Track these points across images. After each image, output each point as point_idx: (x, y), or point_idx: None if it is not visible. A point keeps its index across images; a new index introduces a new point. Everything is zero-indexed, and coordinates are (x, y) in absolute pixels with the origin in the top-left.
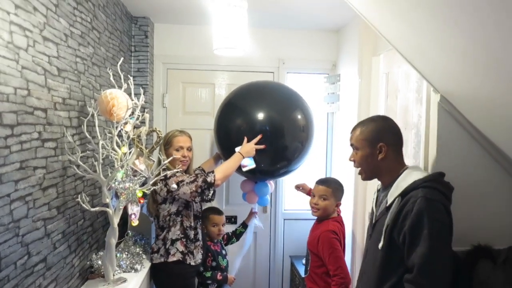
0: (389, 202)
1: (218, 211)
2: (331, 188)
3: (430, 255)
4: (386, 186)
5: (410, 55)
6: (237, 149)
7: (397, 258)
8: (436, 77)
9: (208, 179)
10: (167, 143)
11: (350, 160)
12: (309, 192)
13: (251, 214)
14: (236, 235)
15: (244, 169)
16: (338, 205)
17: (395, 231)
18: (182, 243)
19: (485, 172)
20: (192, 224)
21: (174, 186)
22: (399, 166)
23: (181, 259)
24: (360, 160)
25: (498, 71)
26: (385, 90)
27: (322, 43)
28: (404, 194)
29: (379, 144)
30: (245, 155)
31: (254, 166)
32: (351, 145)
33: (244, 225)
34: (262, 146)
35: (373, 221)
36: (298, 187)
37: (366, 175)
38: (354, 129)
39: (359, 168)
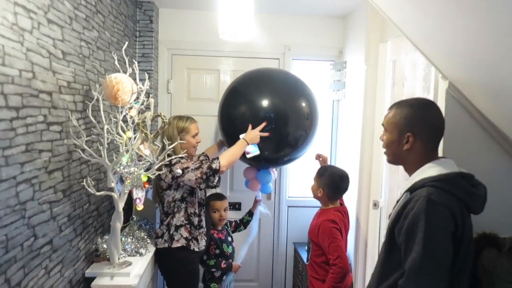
0: (399, 196)
1: (219, 196)
2: (318, 172)
3: (421, 262)
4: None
5: (418, 41)
6: (242, 136)
7: (396, 257)
8: (445, 64)
9: (213, 166)
10: (182, 131)
11: (380, 139)
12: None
13: (256, 202)
14: (244, 223)
15: (248, 156)
16: (321, 192)
17: (396, 228)
18: (186, 229)
19: (492, 161)
20: (196, 211)
21: (179, 171)
22: (427, 159)
23: (185, 245)
24: (386, 142)
25: (509, 57)
26: (392, 78)
27: (328, 29)
28: (412, 190)
29: (407, 133)
30: (250, 142)
31: (259, 153)
32: (382, 124)
33: (251, 213)
34: (266, 134)
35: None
36: (318, 157)
37: (390, 159)
38: (390, 108)
39: (385, 149)
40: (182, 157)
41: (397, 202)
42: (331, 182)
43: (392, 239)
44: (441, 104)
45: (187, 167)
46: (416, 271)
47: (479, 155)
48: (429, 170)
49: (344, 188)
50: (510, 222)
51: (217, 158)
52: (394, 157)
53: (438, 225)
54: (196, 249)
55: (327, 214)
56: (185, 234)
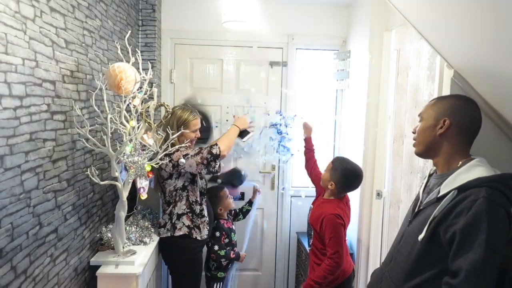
0: (442, 193)
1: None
2: (333, 164)
3: (483, 263)
4: (442, 174)
5: (424, 29)
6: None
7: (436, 255)
8: (450, 52)
9: (214, 151)
10: (183, 124)
11: (412, 131)
12: (308, 138)
13: (255, 191)
14: (243, 213)
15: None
16: (332, 185)
17: (442, 226)
18: (188, 218)
19: (497, 150)
20: (198, 199)
21: (183, 160)
22: (460, 155)
23: (187, 233)
24: (419, 130)
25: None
26: (396, 67)
27: (332, 18)
28: (462, 188)
29: (443, 118)
30: (241, 126)
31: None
32: (419, 115)
33: (250, 203)
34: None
35: (417, 208)
36: (305, 125)
37: (419, 148)
38: (431, 100)
39: (415, 141)
40: (180, 147)
41: (437, 199)
42: (346, 180)
43: (434, 238)
44: (446, 93)
45: (187, 154)
46: (476, 273)
47: (484, 144)
48: (479, 169)
49: (357, 186)
50: None
51: (216, 144)
52: (425, 146)
53: (500, 227)
54: (199, 238)
55: (331, 206)
56: (187, 222)
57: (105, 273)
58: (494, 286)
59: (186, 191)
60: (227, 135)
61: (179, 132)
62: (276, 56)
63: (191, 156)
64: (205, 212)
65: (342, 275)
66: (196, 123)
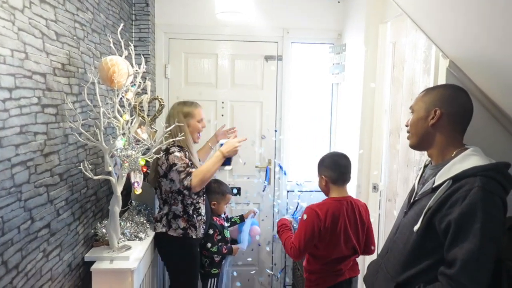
0: (437, 183)
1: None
2: (317, 165)
3: (478, 253)
4: (437, 164)
5: (419, 19)
6: (222, 141)
7: (431, 245)
8: (446, 42)
9: (185, 183)
10: (187, 115)
11: (405, 125)
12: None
13: (251, 212)
14: (231, 222)
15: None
16: (323, 179)
17: (437, 216)
18: (183, 220)
19: (494, 141)
20: (194, 201)
21: (171, 163)
22: (453, 145)
23: (181, 235)
24: (411, 122)
25: (505, 32)
26: (392, 60)
27: (327, 11)
28: (457, 178)
29: (434, 108)
30: (227, 154)
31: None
32: (410, 107)
33: (241, 218)
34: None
35: (412, 199)
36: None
37: (413, 140)
38: (421, 92)
39: (408, 133)
40: (181, 147)
41: (432, 189)
42: (329, 161)
43: (429, 228)
44: (442, 82)
45: (175, 164)
46: (472, 262)
47: (479, 133)
48: (473, 158)
49: (344, 165)
50: (510, 201)
51: (189, 175)
52: (418, 137)
53: (495, 216)
54: (194, 236)
55: (321, 201)
56: (183, 224)
57: (100, 268)
58: (490, 275)
59: (181, 195)
60: (208, 165)
61: (173, 125)
62: (271, 50)
63: (177, 170)
64: (202, 211)
65: (322, 282)
66: (200, 112)
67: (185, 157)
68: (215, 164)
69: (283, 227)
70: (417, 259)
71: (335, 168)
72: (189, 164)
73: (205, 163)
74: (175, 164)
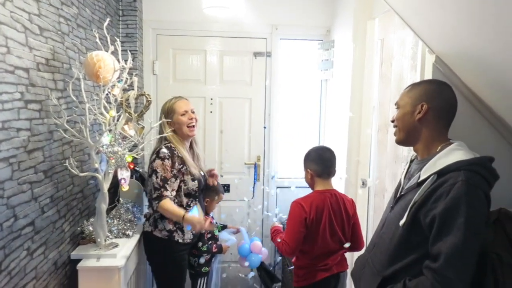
0: (422, 178)
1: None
2: (303, 161)
3: (462, 246)
4: (422, 159)
5: (406, 15)
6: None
7: (417, 239)
8: (432, 38)
9: (153, 203)
10: (169, 112)
11: (391, 121)
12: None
13: (236, 227)
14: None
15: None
16: (309, 172)
17: (422, 211)
18: (170, 222)
19: (479, 135)
20: (184, 203)
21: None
22: (439, 140)
23: (166, 237)
24: (397, 117)
25: (497, 29)
26: (380, 57)
27: (316, 8)
28: (442, 173)
29: (421, 103)
30: (185, 224)
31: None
32: (396, 103)
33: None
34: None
35: (399, 194)
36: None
37: (399, 135)
38: (406, 87)
39: (395, 128)
40: (173, 150)
41: (417, 184)
42: (314, 155)
43: (414, 222)
44: (428, 78)
45: (156, 172)
46: (456, 256)
47: (464, 128)
48: (458, 153)
49: (328, 158)
50: (495, 195)
51: (161, 199)
52: (405, 133)
53: (479, 210)
54: (180, 240)
55: (306, 195)
56: (169, 226)
57: (86, 266)
58: (473, 268)
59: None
60: (172, 212)
61: (160, 122)
62: (260, 46)
63: (153, 182)
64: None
65: (310, 277)
66: (181, 105)
67: (170, 166)
68: (175, 217)
69: (275, 232)
70: (403, 254)
71: (319, 162)
72: (170, 179)
73: (175, 208)
74: (156, 172)
